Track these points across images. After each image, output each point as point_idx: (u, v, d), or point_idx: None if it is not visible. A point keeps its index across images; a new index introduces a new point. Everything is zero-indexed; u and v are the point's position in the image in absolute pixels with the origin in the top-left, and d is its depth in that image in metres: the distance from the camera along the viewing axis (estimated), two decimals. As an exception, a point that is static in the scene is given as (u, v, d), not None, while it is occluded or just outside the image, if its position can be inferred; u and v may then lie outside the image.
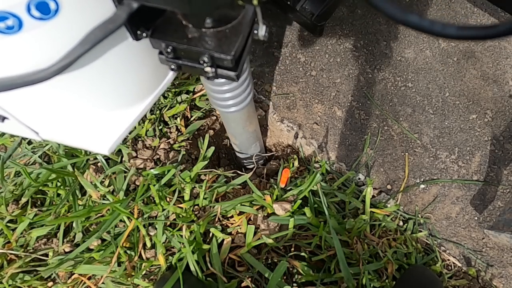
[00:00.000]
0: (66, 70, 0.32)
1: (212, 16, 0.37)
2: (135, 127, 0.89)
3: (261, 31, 0.40)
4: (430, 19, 0.23)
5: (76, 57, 0.31)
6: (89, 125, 0.45)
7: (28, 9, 0.27)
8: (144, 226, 0.77)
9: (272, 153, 1.04)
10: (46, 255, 0.79)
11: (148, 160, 0.85)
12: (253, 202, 0.80)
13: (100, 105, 0.43)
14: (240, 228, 0.77)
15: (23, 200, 0.81)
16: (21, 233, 0.79)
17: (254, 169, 0.92)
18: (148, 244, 0.77)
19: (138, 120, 0.47)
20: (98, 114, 0.44)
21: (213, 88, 0.58)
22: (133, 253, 0.76)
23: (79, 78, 0.37)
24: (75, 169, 0.81)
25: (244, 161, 0.94)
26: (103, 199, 0.80)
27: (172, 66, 0.41)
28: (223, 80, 0.56)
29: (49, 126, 0.44)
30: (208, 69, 0.40)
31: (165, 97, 0.95)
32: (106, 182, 0.81)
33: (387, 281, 0.80)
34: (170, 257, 0.75)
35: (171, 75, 0.50)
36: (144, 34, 0.37)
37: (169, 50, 0.38)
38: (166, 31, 0.38)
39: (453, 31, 0.23)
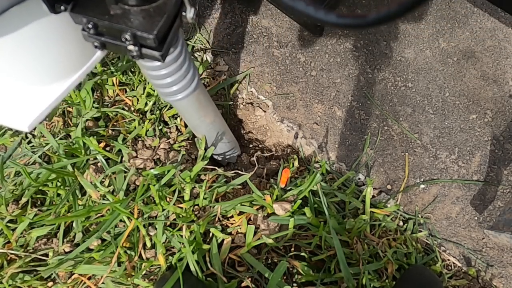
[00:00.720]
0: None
1: None
2: (134, 128, 0.89)
3: (189, 13, 0.40)
4: (315, 5, 0.26)
5: None
6: (9, 100, 0.44)
7: None
8: (144, 226, 0.77)
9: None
10: (46, 255, 0.79)
11: (148, 160, 0.85)
12: (253, 202, 0.80)
13: (21, 79, 0.42)
14: (240, 228, 0.77)
15: (23, 200, 0.81)
16: (21, 233, 0.79)
17: (255, 169, 0.92)
18: (148, 244, 0.77)
19: (62, 97, 0.46)
20: (18, 89, 0.43)
21: (152, 74, 0.57)
22: (133, 253, 0.76)
23: None
24: (75, 169, 0.81)
25: (218, 158, 0.93)
26: (103, 199, 0.80)
27: (95, 44, 0.40)
28: (158, 63, 0.54)
29: None
30: (131, 47, 0.39)
31: (165, 97, 0.95)
32: (106, 182, 0.81)
33: (387, 281, 0.80)
34: (170, 257, 0.75)
35: (99, 53, 0.49)
36: (62, 7, 0.36)
37: (90, 25, 0.38)
38: (88, 6, 0.38)
39: (333, 18, 0.26)
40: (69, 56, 0.45)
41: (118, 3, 0.38)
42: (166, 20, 0.38)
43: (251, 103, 1.04)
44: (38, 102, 0.44)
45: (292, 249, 0.80)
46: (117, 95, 0.94)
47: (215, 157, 0.93)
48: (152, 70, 0.56)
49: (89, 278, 0.76)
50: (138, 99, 0.94)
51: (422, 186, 0.92)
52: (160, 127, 0.92)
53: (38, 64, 0.42)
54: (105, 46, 0.41)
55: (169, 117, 0.94)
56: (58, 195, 0.82)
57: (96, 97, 0.93)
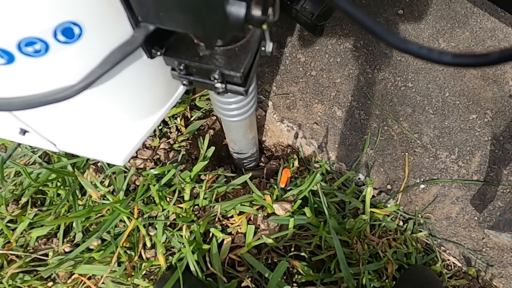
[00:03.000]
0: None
1: (223, 39, 0.39)
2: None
3: (269, 47, 0.42)
4: (427, 47, 0.25)
5: (97, 77, 0.33)
6: (105, 137, 0.47)
7: (55, 34, 0.29)
8: (144, 226, 0.77)
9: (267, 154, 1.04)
10: (46, 255, 0.79)
11: (148, 160, 0.85)
12: (253, 202, 0.80)
13: (116, 118, 0.45)
14: (240, 228, 0.77)
15: (23, 200, 0.81)
16: (21, 233, 0.79)
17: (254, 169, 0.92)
18: (148, 244, 0.77)
19: (151, 131, 0.49)
20: (113, 126, 0.46)
21: (220, 99, 0.60)
22: (133, 253, 0.76)
23: (98, 94, 0.39)
24: (75, 169, 0.81)
25: (243, 161, 0.95)
26: (103, 199, 0.80)
27: (184, 82, 0.43)
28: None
29: (67, 138, 0.47)
30: (218, 85, 0.41)
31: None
32: (106, 182, 0.81)
33: (387, 281, 0.80)
34: (170, 257, 0.75)
35: (182, 88, 0.52)
36: (158, 53, 0.39)
37: (181, 67, 0.40)
38: (179, 49, 0.40)
39: (449, 58, 0.25)
40: (158, 93, 0.48)
41: (207, 47, 0.39)
42: (250, 57, 0.40)
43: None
44: (131, 137, 0.48)
45: (292, 249, 0.80)
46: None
47: (243, 162, 0.95)
48: (223, 97, 0.59)
49: (89, 278, 0.76)
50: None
51: (422, 186, 0.92)
52: (160, 127, 0.92)
53: (134, 103, 0.45)
54: (192, 84, 0.43)
55: (169, 117, 0.94)
56: (58, 195, 0.82)
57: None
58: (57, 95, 0.33)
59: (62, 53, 0.31)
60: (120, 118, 0.46)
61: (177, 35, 0.41)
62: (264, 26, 0.32)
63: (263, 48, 0.43)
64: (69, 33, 0.30)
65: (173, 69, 0.42)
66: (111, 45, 0.34)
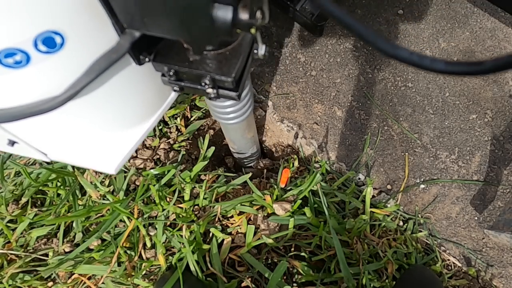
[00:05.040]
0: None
1: (211, 44, 0.38)
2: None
3: (261, 50, 0.41)
4: (418, 53, 0.24)
5: (82, 87, 0.32)
6: (96, 146, 0.46)
7: (35, 44, 0.28)
8: (144, 226, 0.77)
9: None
10: (46, 255, 0.79)
11: (148, 160, 0.85)
12: (253, 202, 0.80)
13: (106, 127, 0.44)
14: (240, 228, 0.77)
15: (23, 200, 0.81)
16: (21, 233, 0.79)
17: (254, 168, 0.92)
18: (148, 244, 0.77)
19: (143, 139, 0.48)
20: (104, 135, 0.45)
21: (215, 103, 0.60)
22: (133, 253, 0.76)
23: (85, 102, 0.38)
24: (75, 169, 0.81)
25: (244, 161, 0.95)
26: (103, 199, 0.80)
27: (175, 88, 0.42)
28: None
29: (57, 148, 0.45)
30: (209, 90, 0.40)
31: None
32: (106, 182, 0.81)
33: (387, 281, 0.80)
34: (170, 257, 0.75)
35: (173, 94, 0.51)
36: (147, 59, 0.38)
37: (171, 73, 0.39)
38: (168, 55, 0.39)
39: (441, 66, 0.24)
40: (149, 100, 0.47)
41: (196, 52, 0.38)
42: (242, 61, 0.39)
43: (251, 103, 1.04)
44: (123, 145, 0.47)
45: (292, 249, 0.80)
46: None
47: (243, 161, 0.96)
48: (217, 101, 0.59)
49: (89, 278, 0.76)
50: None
51: (422, 186, 0.92)
52: (160, 127, 0.92)
53: (124, 111, 0.44)
54: (183, 89, 0.42)
55: (169, 117, 0.94)
56: (58, 195, 0.82)
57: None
58: (41, 106, 0.32)
59: (45, 63, 0.30)
60: (110, 126, 0.44)
61: (166, 40, 0.39)
62: (253, 30, 0.30)
63: (255, 51, 0.41)
64: (50, 42, 0.28)
65: (163, 75, 0.40)
66: (96, 53, 0.32)
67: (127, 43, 0.33)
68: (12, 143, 0.43)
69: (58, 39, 0.29)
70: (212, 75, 0.38)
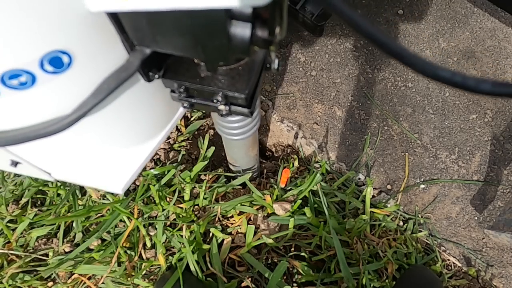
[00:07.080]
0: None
1: (227, 63, 0.36)
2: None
3: (274, 64, 0.39)
4: (461, 73, 0.22)
5: (90, 107, 0.30)
6: (102, 164, 0.44)
7: (41, 65, 0.26)
8: (144, 226, 0.77)
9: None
10: (46, 255, 0.79)
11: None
12: (253, 202, 0.80)
13: (113, 145, 0.43)
14: (240, 228, 0.77)
15: (23, 200, 0.81)
16: (21, 233, 0.79)
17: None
18: (148, 244, 0.77)
19: (150, 157, 0.46)
20: (111, 153, 0.44)
21: (221, 119, 0.57)
22: (133, 253, 0.76)
23: (92, 121, 0.36)
24: (75, 169, 0.81)
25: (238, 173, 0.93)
26: (103, 199, 0.80)
27: (185, 104, 0.40)
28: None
29: (62, 167, 0.44)
30: (222, 107, 0.39)
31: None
32: (106, 182, 0.81)
33: (387, 281, 0.80)
34: (170, 257, 0.75)
35: (182, 110, 0.49)
36: (156, 76, 0.36)
37: (181, 89, 0.37)
38: (178, 71, 0.37)
39: (488, 87, 0.21)
40: (157, 117, 0.45)
41: (209, 69, 0.37)
42: (255, 76, 0.37)
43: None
44: (130, 164, 0.45)
45: (292, 249, 0.80)
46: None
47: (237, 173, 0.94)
48: (224, 119, 0.56)
49: (89, 278, 0.76)
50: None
51: (422, 186, 0.92)
52: (160, 127, 0.92)
53: (132, 129, 0.42)
54: (193, 106, 0.40)
55: (169, 117, 0.94)
56: (58, 195, 0.82)
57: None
58: (47, 129, 0.30)
59: (51, 84, 0.28)
60: (118, 145, 0.43)
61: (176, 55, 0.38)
62: (272, 47, 0.28)
63: (267, 65, 0.39)
64: (57, 62, 0.27)
65: (172, 91, 0.39)
66: (105, 71, 0.31)
67: (137, 61, 0.31)
68: (15, 163, 0.41)
69: (65, 59, 0.27)
70: (225, 92, 0.36)
